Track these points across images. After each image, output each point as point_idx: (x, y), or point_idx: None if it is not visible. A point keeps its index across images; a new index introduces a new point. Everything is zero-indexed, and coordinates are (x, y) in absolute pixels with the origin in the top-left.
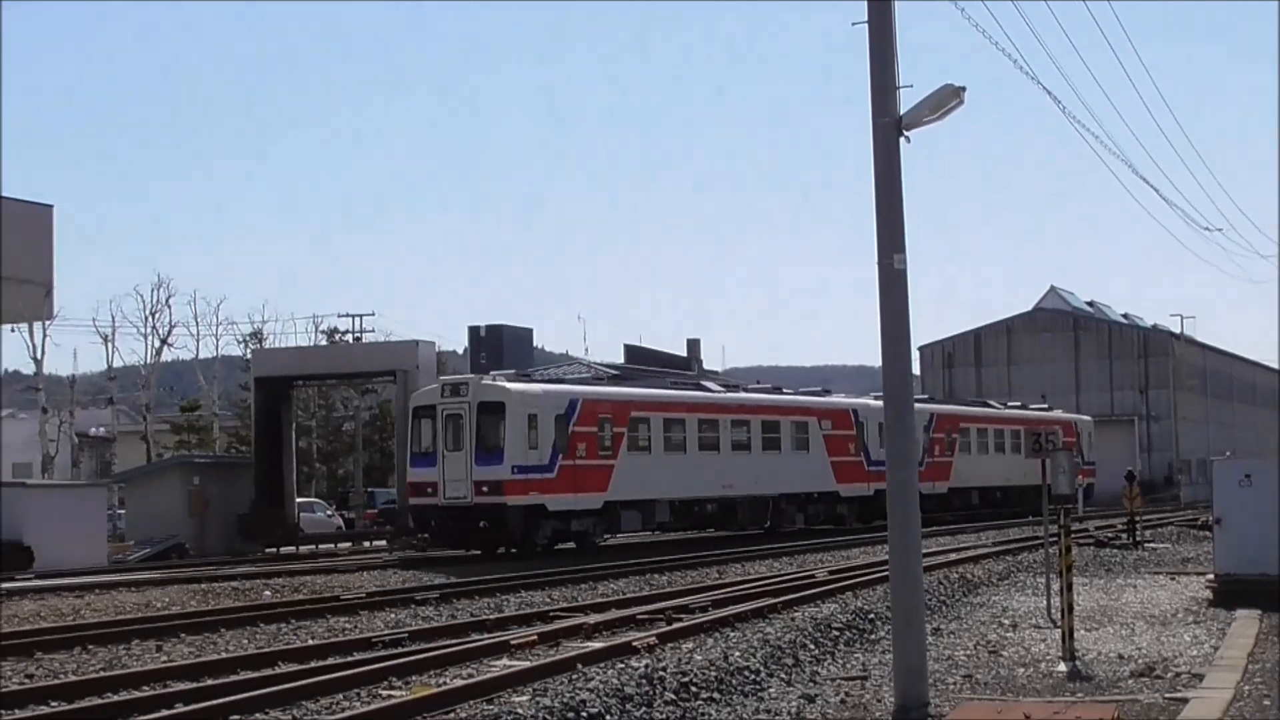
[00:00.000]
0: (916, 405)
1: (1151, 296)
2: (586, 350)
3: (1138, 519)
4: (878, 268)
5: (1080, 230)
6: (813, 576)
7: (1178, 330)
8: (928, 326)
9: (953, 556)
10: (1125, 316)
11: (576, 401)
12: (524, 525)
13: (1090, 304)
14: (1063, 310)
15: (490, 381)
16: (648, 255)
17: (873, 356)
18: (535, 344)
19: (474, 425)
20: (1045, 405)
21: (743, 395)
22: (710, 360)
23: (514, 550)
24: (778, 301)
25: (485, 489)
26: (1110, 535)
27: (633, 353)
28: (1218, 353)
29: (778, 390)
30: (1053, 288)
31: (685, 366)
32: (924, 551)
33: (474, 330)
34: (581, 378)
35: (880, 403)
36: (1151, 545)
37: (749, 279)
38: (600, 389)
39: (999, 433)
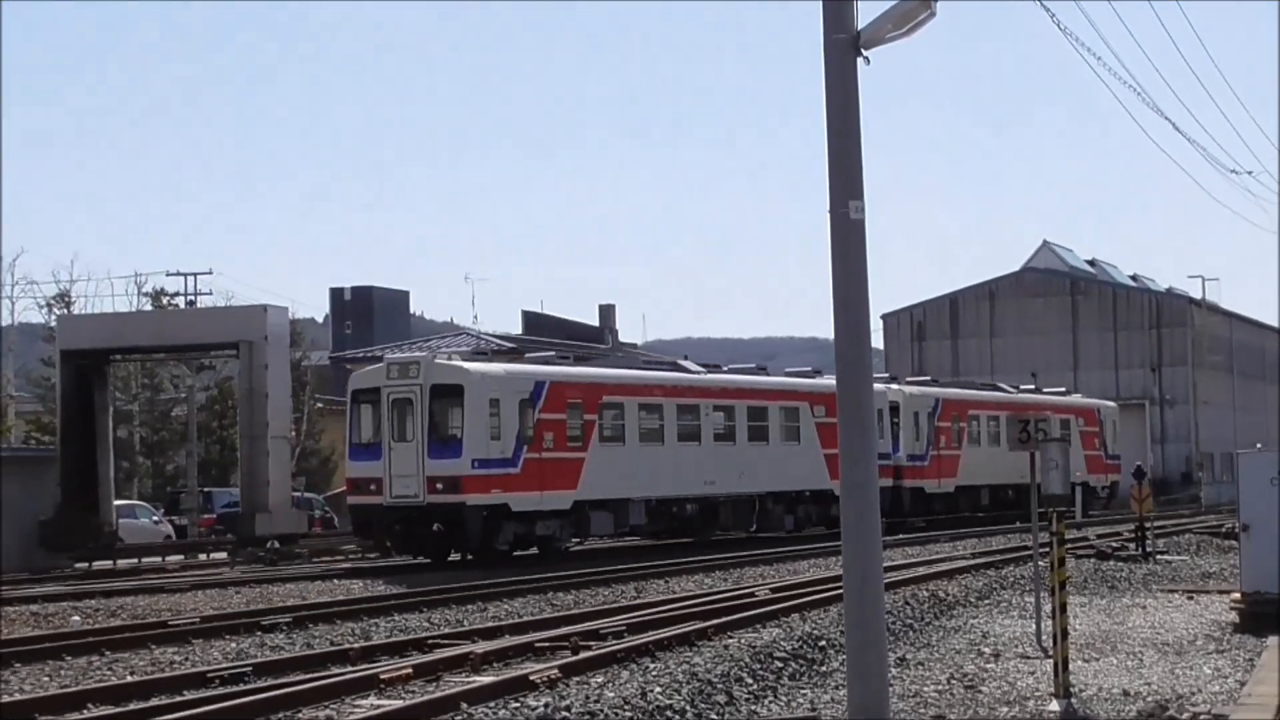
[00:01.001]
0: (921, 389)
1: (1166, 254)
2: (476, 318)
3: (1148, 525)
4: (830, 218)
5: (1080, 174)
6: (752, 595)
7: (1197, 295)
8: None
9: (922, 570)
10: (1134, 278)
11: (543, 384)
12: (484, 528)
13: (1091, 263)
14: (1058, 271)
15: (445, 361)
16: (554, 210)
17: (825, 327)
18: (413, 310)
19: (426, 412)
20: (1064, 389)
21: (725, 376)
22: (628, 331)
23: (470, 556)
24: (712, 263)
25: (440, 486)
26: (1115, 545)
27: (533, 321)
28: (1247, 322)
29: (762, 370)
30: (1046, 243)
31: (596, 338)
32: (887, 564)
33: (337, 293)
34: (543, 356)
35: (880, 386)
36: (1165, 557)
37: (676, 237)
38: (569, 369)
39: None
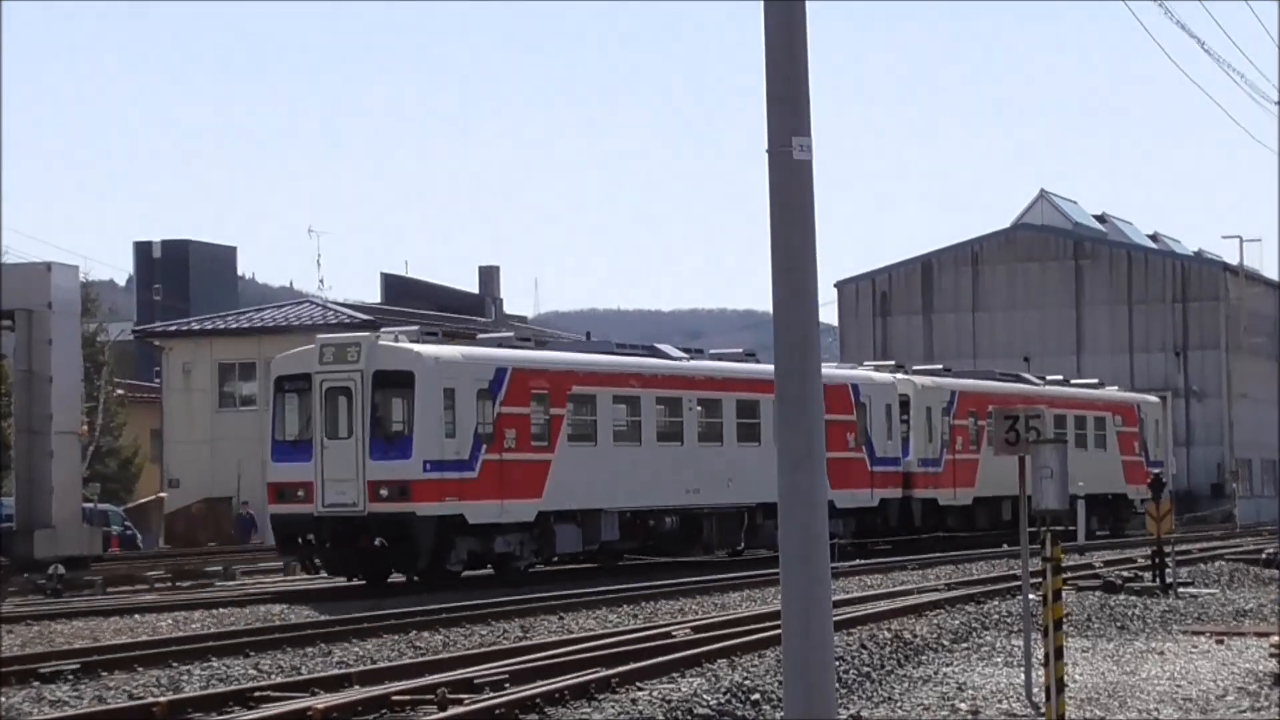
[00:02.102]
0: (934, 380)
1: (1194, 209)
2: (322, 283)
3: (1168, 549)
4: (768, 158)
5: (1086, 108)
6: (669, 635)
7: (1233, 260)
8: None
9: (884, 605)
10: (1153, 238)
11: (505, 370)
12: (436, 542)
13: (1100, 219)
14: (1058, 228)
15: (391, 342)
16: (423, 152)
17: (764, 299)
18: (241, 271)
19: (368, 403)
20: (1096, 381)
21: (710, 364)
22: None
23: (417, 578)
24: (623, 218)
25: (384, 492)
26: (1126, 574)
27: (395, 286)
28: None
29: (750, 357)
30: (1043, 194)
31: (475, 308)
32: (840, 596)
33: (143, 250)
34: (500, 337)
35: (887, 376)
36: (1189, 590)
37: (576, 186)
38: (534, 354)
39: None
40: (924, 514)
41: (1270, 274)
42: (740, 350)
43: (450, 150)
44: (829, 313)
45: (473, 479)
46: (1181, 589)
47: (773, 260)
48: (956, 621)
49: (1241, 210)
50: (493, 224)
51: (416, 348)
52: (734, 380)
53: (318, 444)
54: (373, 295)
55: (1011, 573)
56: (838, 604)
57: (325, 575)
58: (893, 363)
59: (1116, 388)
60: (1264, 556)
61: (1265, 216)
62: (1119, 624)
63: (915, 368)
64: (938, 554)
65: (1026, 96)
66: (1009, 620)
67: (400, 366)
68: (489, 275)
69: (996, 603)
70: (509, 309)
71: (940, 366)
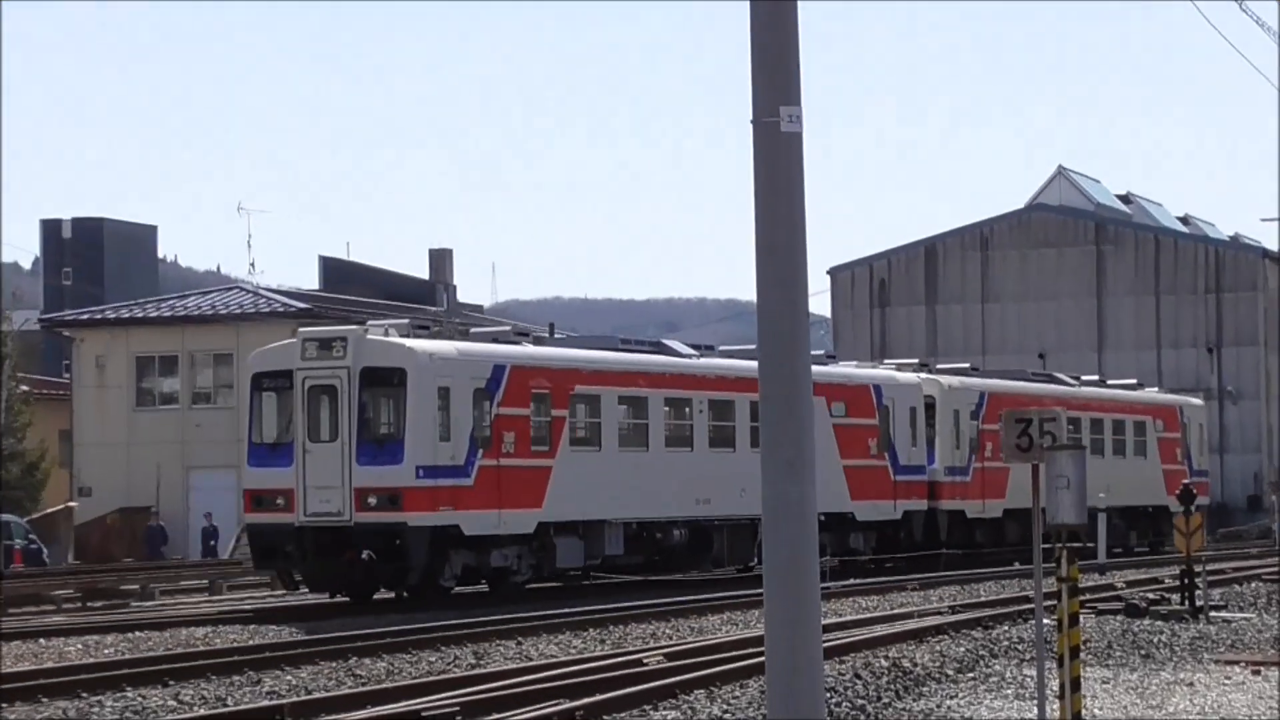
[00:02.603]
0: (961, 380)
1: (1229, 189)
2: (253, 266)
3: (1199, 569)
4: (752, 130)
5: (1110, 77)
6: (640, 663)
7: (1273, 245)
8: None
9: (881, 630)
10: (1184, 221)
11: (504, 368)
12: (430, 555)
13: (1125, 199)
14: (1078, 209)
15: (381, 336)
16: (367, 126)
17: (747, 287)
18: (162, 254)
19: (355, 403)
20: (1134, 381)
21: (721, 362)
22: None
23: (406, 594)
24: (587, 201)
25: (373, 501)
26: (1152, 596)
27: (336, 271)
28: None
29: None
30: (1062, 171)
31: (425, 296)
32: (831, 620)
33: (51, 228)
34: (496, 332)
35: (911, 376)
36: (1222, 614)
37: (538, 165)
38: (533, 350)
39: (1074, 423)
40: (950, 527)
41: None
42: (753, 347)
43: (399, 123)
44: (821, 303)
45: (469, 487)
46: (1214, 613)
47: (757, 244)
48: (962, 649)
49: None
50: (445, 203)
51: (409, 343)
52: (748, 380)
53: (299, 447)
54: (310, 281)
55: (1023, 594)
56: (829, 628)
57: (307, 591)
58: (916, 361)
59: (1156, 389)
60: None
61: None
62: (1143, 652)
63: (940, 366)
64: (941, 573)
65: (1043, 63)
66: (1020, 647)
67: (391, 363)
68: (440, 259)
69: (1006, 628)
70: (463, 297)
71: (967, 365)
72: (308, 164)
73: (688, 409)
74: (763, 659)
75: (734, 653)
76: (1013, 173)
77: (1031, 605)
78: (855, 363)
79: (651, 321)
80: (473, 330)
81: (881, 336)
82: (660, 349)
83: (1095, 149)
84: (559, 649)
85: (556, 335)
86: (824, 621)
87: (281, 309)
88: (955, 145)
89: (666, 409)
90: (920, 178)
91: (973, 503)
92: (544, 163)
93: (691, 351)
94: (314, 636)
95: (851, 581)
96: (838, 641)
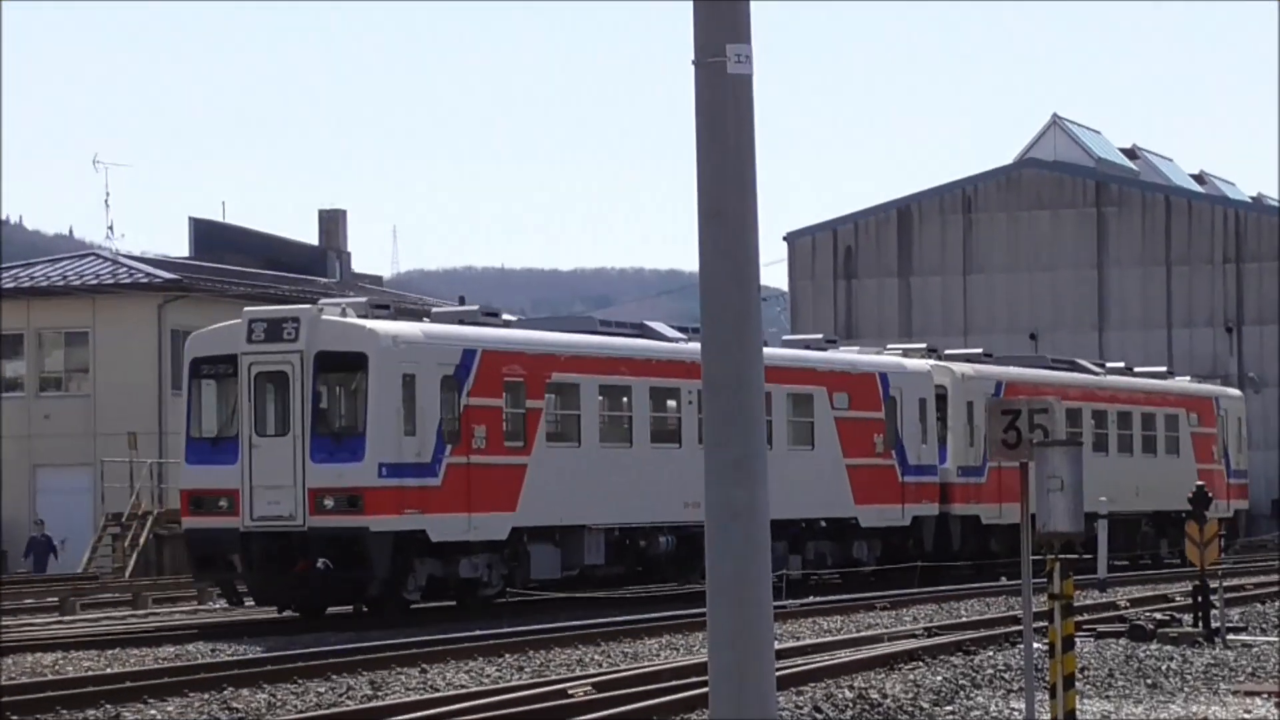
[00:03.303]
0: (975, 367)
1: (1249, 144)
2: (111, 230)
3: (1214, 585)
4: (694, 72)
5: (1113, 18)
6: (564, 694)
7: None
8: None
9: (845, 655)
10: (1199, 179)
11: (474, 353)
12: (393, 564)
13: (1130, 153)
14: (1076, 165)
15: (338, 317)
16: (247, 72)
17: (691, 257)
18: (4, 215)
19: (309, 392)
20: (1165, 370)
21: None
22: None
23: (366, 609)
24: (504, 157)
25: (329, 503)
26: (1160, 616)
27: (208, 235)
28: None
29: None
30: (1056, 120)
31: (313, 264)
32: (787, 645)
33: None
34: (462, 312)
35: (921, 363)
36: (1241, 637)
37: (444, 115)
38: (506, 333)
39: (1099, 415)
40: (963, 534)
41: None
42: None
43: (283, 66)
44: (776, 274)
45: (436, 487)
46: (1231, 636)
47: (700, 206)
48: (939, 677)
49: None
50: (338, 158)
51: (370, 324)
52: None
53: (245, 442)
54: (179, 247)
55: (1011, 613)
56: (784, 653)
57: (252, 605)
58: (924, 345)
59: (1189, 378)
60: None
61: None
62: (1150, 681)
63: (950, 351)
64: (915, 590)
65: (1036, 3)
66: (1007, 676)
67: (350, 347)
68: (332, 222)
69: (991, 653)
70: (359, 266)
71: (980, 351)
72: (175, 111)
73: (675, 400)
74: (706, 690)
75: (673, 682)
76: (1000, 123)
77: (1020, 627)
78: (857, 348)
79: (579, 295)
80: (434, 310)
81: (847, 313)
82: (642, 331)
83: (1096, 95)
84: (470, 678)
85: (554, 318)
86: (778, 646)
87: (145, 280)
88: (933, 91)
89: (654, 399)
90: (893, 129)
91: (988, 507)
92: (452, 113)
93: (678, 334)
94: (181, 664)
95: (810, 600)
96: (794, 669)
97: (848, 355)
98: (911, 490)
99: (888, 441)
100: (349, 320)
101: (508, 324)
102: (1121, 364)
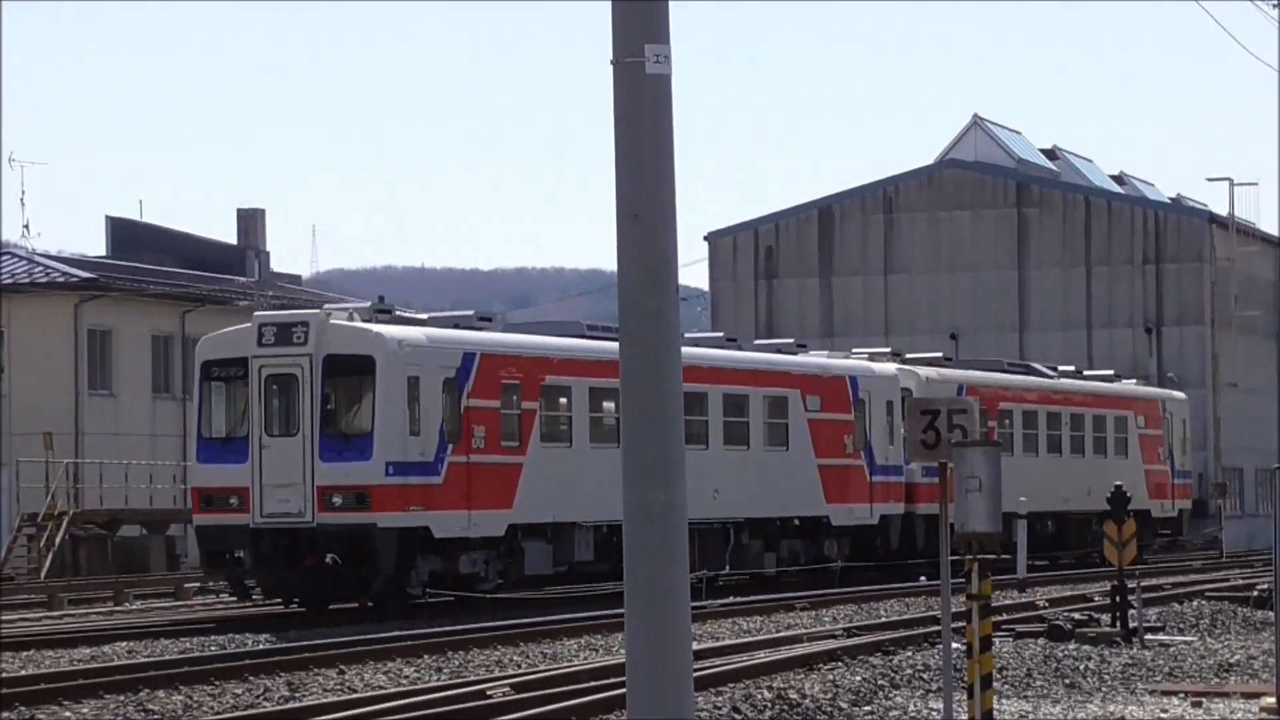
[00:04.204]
0: (938, 371)
1: (1171, 144)
2: (27, 229)
3: (1132, 584)
4: (613, 71)
5: (1032, 19)
6: (483, 695)
7: (1221, 210)
8: (729, 205)
9: (764, 655)
10: (1119, 180)
11: (474, 356)
12: (398, 560)
13: (1051, 154)
14: (996, 165)
15: (346, 321)
16: (164, 68)
17: (611, 256)
18: None
19: (318, 394)
20: (1111, 373)
21: (692, 350)
22: (287, 254)
23: (371, 603)
24: (423, 156)
25: (337, 500)
26: (1078, 616)
27: (125, 234)
28: None
29: (731, 343)
30: (978, 121)
31: (232, 264)
32: (706, 645)
33: None
34: (458, 316)
35: (889, 367)
36: (1158, 637)
37: (364, 114)
38: (503, 337)
39: (1053, 417)
40: (927, 533)
41: (1269, 227)
42: (721, 335)
43: (202, 65)
44: (696, 273)
45: (438, 485)
46: (1149, 636)
47: (618, 206)
48: (858, 677)
49: (1232, 146)
50: (257, 157)
51: (377, 328)
52: (721, 370)
53: (255, 442)
54: (96, 246)
55: (930, 613)
56: (702, 654)
57: (261, 599)
58: (889, 349)
59: (1135, 381)
60: (1255, 594)
61: (1262, 153)
62: (1068, 680)
63: (911, 355)
64: (836, 590)
65: (957, 3)
66: (925, 676)
67: (358, 350)
68: (251, 221)
69: (910, 653)
70: (278, 265)
71: (940, 355)
72: (92, 109)
73: None
74: (624, 690)
75: (592, 683)
76: (921, 123)
77: (939, 627)
78: (826, 352)
79: (499, 295)
80: (430, 315)
81: (768, 313)
82: None
83: (1017, 96)
84: (388, 679)
85: (546, 322)
86: (697, 646)
87: (61, 279)
88: (855, 91)
89: None
90: (814, 129)
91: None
92: (371, 111)
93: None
94: (97, 665)
95: (731, 600)
96: (713, 670)
97: (819, 359)
98: (879, 490)
99: (857, 443)
100: (356, 325)
101: (506, 328)
102: (1072, 367)
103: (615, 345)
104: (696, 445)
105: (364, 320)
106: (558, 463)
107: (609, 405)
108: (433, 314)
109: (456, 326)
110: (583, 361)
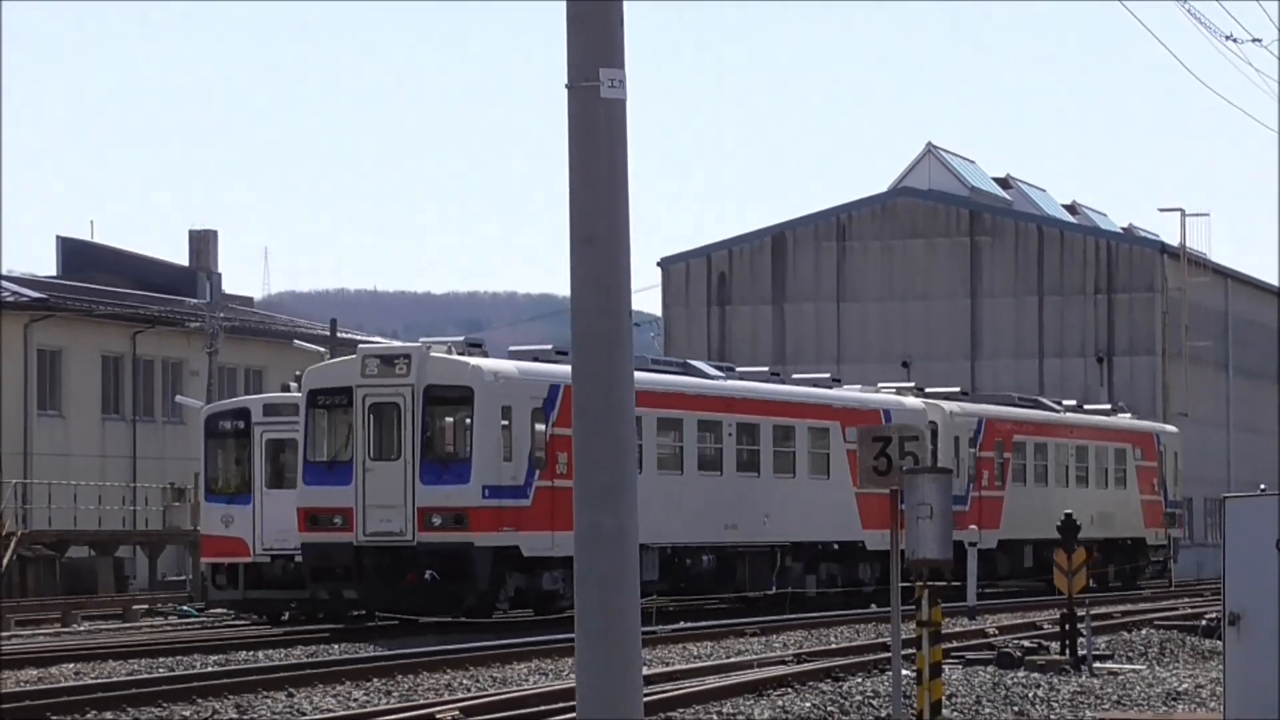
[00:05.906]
0: (960, 405)
1: (1124, 174)
2: None
3: (1081, 613)
4: (567, 95)
5: (985, 49)
6: (432, 719)
7: (1173, 240)
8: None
9: (713, 682)
10: (1071, 209)
11: (558, 388)
12: (491, 577)
13: (1004, 182)
14: (949, 194)
15: (445, 354)
16: (115, 87)
17: (564, 281)
18: None
19: (418, 422)
20: (1109, 407)
21: (744, 384)
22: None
23: (463, 617)
24: (376, 178)
25: (438, 520)
26: (1028, 644)
27: (76, 255)
28: (1251, 285)
29: (774, 377)
30: (931, 149)
31: (183, 285)
32: (655, 671)
33: None
34: (538, 350)
35: (916, 402)
36: (1107, 665)
37: (316, 136)
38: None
39: (1061, 450)
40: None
41: (1220, 258)
42: (765, 369)
43: (154, 85)
44: (649, 299)
45: (527, 507)
46: (1098, 664)
47: (571, 231)
48: (808, 703)
49: (1185, 177)
50: (209, 177)
51: (474, 361)
52: (771, 403)
53: (359, 465)
54: (48, 266)
55: (881, 640)
56: (652, 679)
57: (360, 614)
58: (912, 384)
59: (1130, 415)
60: (1204, 623)
61: (1214, 187)
62: (1016, 708)
63: (932, 389)
64: (786, 616)
65: (909, 29)
66: (875, 703)
67: (458, 381)
68: (202, 242)
69: (860, 679)
70: (229, 286)
71: (958, 389)
72: (43, 128)
73: (718, 432)
74: (574, 715)
75: (541, 707)
76: (875, 151)
77: (889, 654)
78: (860, 386)
79: (452, 318)
80: (510, 349)
81: (721, 339)
82: (687, 369)
83: (970, 125)
84: (337, 701)
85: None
86: (647, 671)
87: (12, 299)
88: (809, 118)
89: (700, 431)
90: (768, 156)
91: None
92: (324, 133)
93: (718, 373)
94: (43, 687)
95: (681, 625)
96: (663, 695)
97: (856, 394)
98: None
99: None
100: (455, 358)
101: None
102: (1074, 401)
103: (677, 379)
104: (749, 473)
105: (458, 353)
106: None
107: (673, 434)
108: (514, 347)
109: (535, 360)
110: (650, 393)
